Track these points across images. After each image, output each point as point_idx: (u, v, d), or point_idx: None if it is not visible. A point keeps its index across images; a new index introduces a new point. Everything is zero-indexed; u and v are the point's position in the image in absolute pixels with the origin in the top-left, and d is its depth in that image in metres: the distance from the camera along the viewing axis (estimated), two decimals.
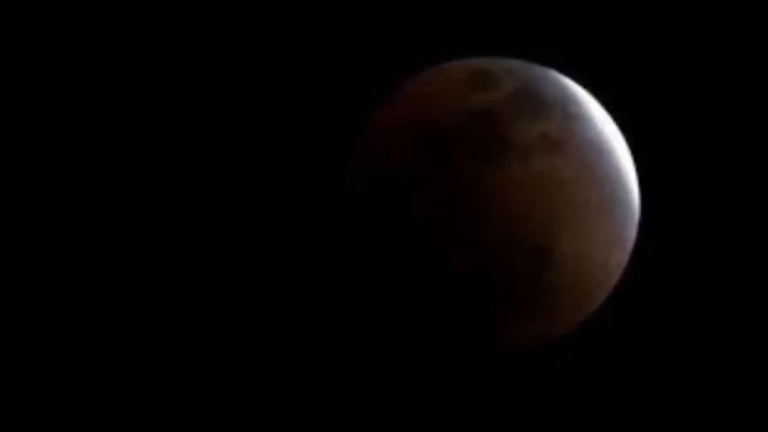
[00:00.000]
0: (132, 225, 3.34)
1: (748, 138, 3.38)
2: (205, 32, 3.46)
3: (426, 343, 2.93)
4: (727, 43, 3.43)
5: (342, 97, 3.38)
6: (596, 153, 2.76)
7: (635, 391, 3.14)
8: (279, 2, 3.47)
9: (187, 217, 3.37)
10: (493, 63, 2.92)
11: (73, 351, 3.17)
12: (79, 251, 3.28)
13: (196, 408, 3.11)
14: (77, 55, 3.39)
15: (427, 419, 3.06)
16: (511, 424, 3.05)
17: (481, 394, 3.09)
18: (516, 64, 2.91)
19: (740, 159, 3.37)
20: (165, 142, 3.41)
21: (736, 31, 3.43)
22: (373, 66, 3.38)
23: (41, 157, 3.31)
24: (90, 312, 3.23)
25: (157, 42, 3.45)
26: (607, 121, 2.89)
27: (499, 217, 2.61)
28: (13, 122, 3.30)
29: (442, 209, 2.62)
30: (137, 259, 3.32)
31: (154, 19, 3.45)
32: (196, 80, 3.44)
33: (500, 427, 3.04)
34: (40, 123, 3.33)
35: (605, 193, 2.74)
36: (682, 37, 3.47)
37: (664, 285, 3.27)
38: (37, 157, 3.31)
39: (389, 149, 2.77)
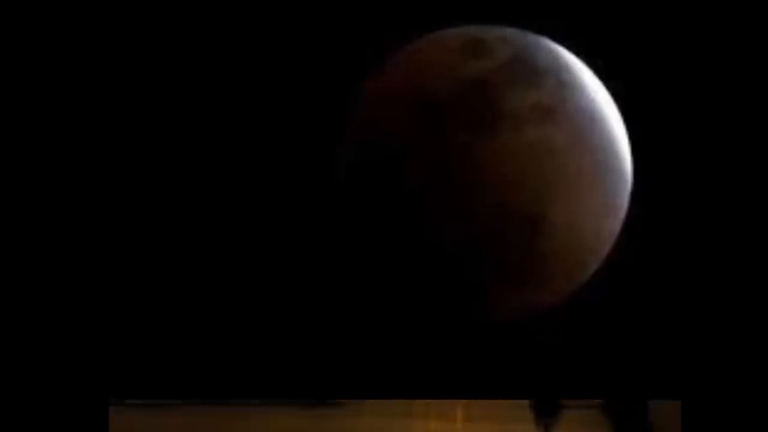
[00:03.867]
0: (124, 205, 3.34)
1: (740, 106, 3.37)
2: (195, 10, 3.44)
3: (418, 312, 2.94)
4: (719, 12, 3.41)
5: (333, 66, 3.37)
6: (589, 121, 2.75)
7: (627, 359, 3.16)
8: None
9: (182, 190, 3.38)
10: (487, 31, 2.90)
11: (73, 350, 3.19)
12: (67, 249, 3.29)
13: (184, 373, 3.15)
14: (74, 55, 3.37)
15: (419, 387, 3.08)
16: (503, 392, 3.07)
17: (473, 363, 3.11)
18: (510, 32, 2.90)
19: (732, 128, 3.36)
20: (157, 119, 3.41)
21: (727, 3, 3.41)
22: (364, 34, 3.37)
23: (41, 157, 3.31)
24: (84, 308, 3.25)
25: (150, 26, 3.44)
26: (599, 89, 2.88)
27: (491, 187, 2.61)
28: (13, 122, 3.29)
29: (435, 179, 2.62)
30: (129, 239, 3.33)
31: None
32: (188, 60, 3.43)
33: (492, 395, 3.06)
34: (40, 123, 3.32)
35: (598, 161, 2.74)
36: (674, 7, 3.45)
37: (656, 253, 3.28)
38: (37, 157, 3.30)
39: (382, 119, 2.76)
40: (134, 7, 3.42)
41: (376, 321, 3.13)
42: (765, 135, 3.20)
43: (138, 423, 3.40)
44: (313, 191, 3.23)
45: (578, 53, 2.94)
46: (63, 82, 3.24)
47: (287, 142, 3.37)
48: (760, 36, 3.26)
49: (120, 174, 3.35)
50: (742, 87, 3.30)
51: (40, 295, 3.10)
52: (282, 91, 3.41)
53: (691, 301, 3.21)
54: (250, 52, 3.44)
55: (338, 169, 2.90)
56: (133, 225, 3.33)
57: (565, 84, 2.77)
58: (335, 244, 3.08)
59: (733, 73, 3.31)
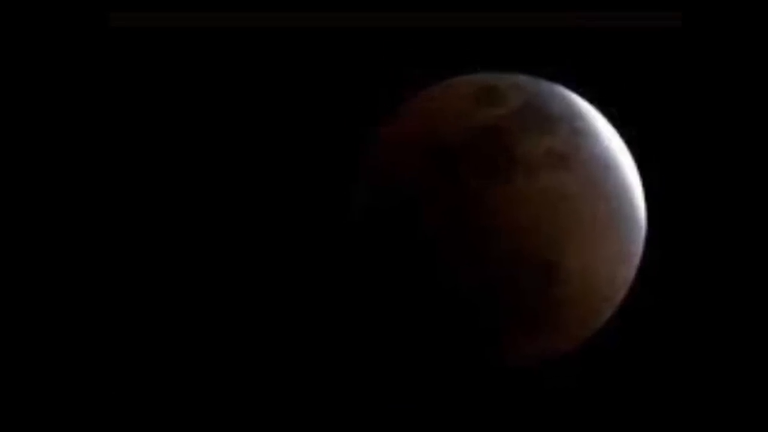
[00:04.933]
0: (144, 247, 3.35)
1: (754, 153, 3.38)
2: (213, 47, 3.47)
3: (432, 358, 2.92)
4: (734, 57, 3.44)
5: (349, 112, 3.39)
6: (602, 168, 2.76)
7: (641, 407, 3.13)
8: (286, 17, 3.49)
9: (194, 230, 3.38)
10: (499, 78, 2.92)
11: (71, 351, 3.18)
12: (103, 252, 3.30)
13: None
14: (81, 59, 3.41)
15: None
16: None
17: (487, 409, 3.08)
18: (522, 79, 2.92)
19: (746, 174, 3.37)
20: (172, 155, 3.43)
21: (743, 46, 3.43)
22: (380, 81, 3.39)
23: (42, 157, 3.33)
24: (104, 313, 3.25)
25: (162, 53, 3.47)
26: (613, 136, 2.89)
27: (505, 233, 2.61)
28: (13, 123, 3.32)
29: (449, 224, 2.62)
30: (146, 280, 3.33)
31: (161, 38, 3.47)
32: (205, 94, 3.46)
33: None
34: (41, 123, 3.35)
35: (612, 209, 2.74)
36: (688, 53, 3.47)
37: (670, 300, 3.27)
38: (38, 157, 3.33)
39: (396, 164, 2.77)
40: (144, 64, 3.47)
41: (388, 365, 3.12)
42: None
43: None
44: (327, 235, 3.23)
45: (592, 101, 2.95)
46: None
47: (301, 187, 3.38)
48: None
49: (129, 220, 3.36)
50: (756, 135, 3.32)
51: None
52: (297, 134, 3.43)
53: (704, 348, 3.20)
54: (266, 98, 3.46)
55: (352, 213, 2.90)
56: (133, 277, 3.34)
57: (579, 131, 2.78)
58: (349, 289, 3.08)
59: (747, 121, 3.33)
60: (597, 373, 3.14)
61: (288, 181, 3.39)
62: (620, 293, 2.89)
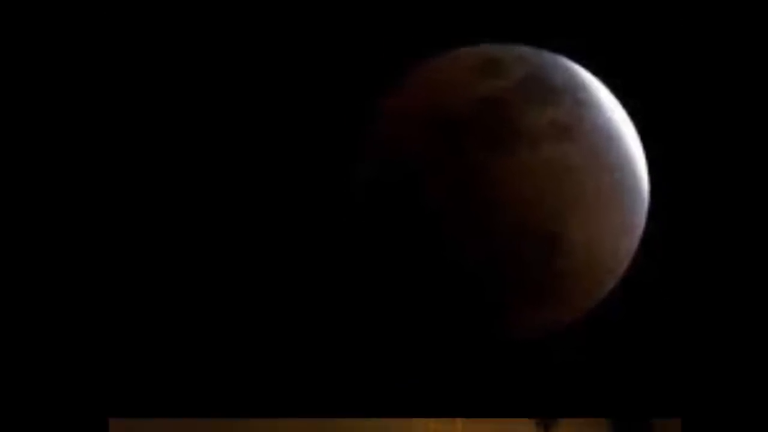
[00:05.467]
0: (141, 214, 3.36)
1: (756, 125, 3.38)
2: (213, 22, 3.46)
3: (437, 330, 2.94)
4: (736, 31, 3.43)
5: (352, 84, 3.38)
6: (605, 139, 2.76)
7: (644, 377, 3.15)
8: None
9: (196, 205, 3.38)
10: (503, 50, 2.92)
11: (73, 351, 3.19)
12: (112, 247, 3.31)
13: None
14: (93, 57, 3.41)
15: (438, 405, 3.08)
16: (521, 409, 3.07)
17: (492, 380, 3.11)
18: (526, 50, 2.91)
19: (748, 146, 3.37)
20: (177, 130, 3.43)
21: (745, 20, 3.42)
22: (383, 52, 3.38)
23: (42, 156, 3.33)
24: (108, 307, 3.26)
25: (160, 32, 3.46)
26: (616, 107, 2.89)
27: (509, 205, 2.61)
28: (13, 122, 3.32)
29: (453, 196, 2.63)
30: (145, 248, 3.34)
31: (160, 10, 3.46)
32: (206, 71, 3.45)
33: (510, 412, 3.06)
34: (42, 123, 3.34)
35: (615, 180, 2.75)
36: (691, 26, 3.46)
37: (673, 271, 3.29)
38: (38, 156, 3.32)
39: (400, 137, 2.77)
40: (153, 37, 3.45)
41: (393, 339, 3.13)
42: None
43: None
44: (332, 208, 3.23)
45: (595, 72, 2.95)
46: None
47: (303, 162, 3.38)
48: None
49: (129, 191, 3.37)
50: (760, 107, 3.31)
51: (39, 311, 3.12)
52: (297, 109, 3.43)
53: (706, 319, 3.22)
54: (267, 72, 3.45)
55: (356, 186, 2.90)
56: (140, 246, 3.34)
57: (582, 102, 2.78)
58: (354, 261, 3.08)
59: (750, 94, 3.33)
60: (600, 344, 3.16)
61: (292, 153, 3.40)
62: (623, 265, 2.90)
